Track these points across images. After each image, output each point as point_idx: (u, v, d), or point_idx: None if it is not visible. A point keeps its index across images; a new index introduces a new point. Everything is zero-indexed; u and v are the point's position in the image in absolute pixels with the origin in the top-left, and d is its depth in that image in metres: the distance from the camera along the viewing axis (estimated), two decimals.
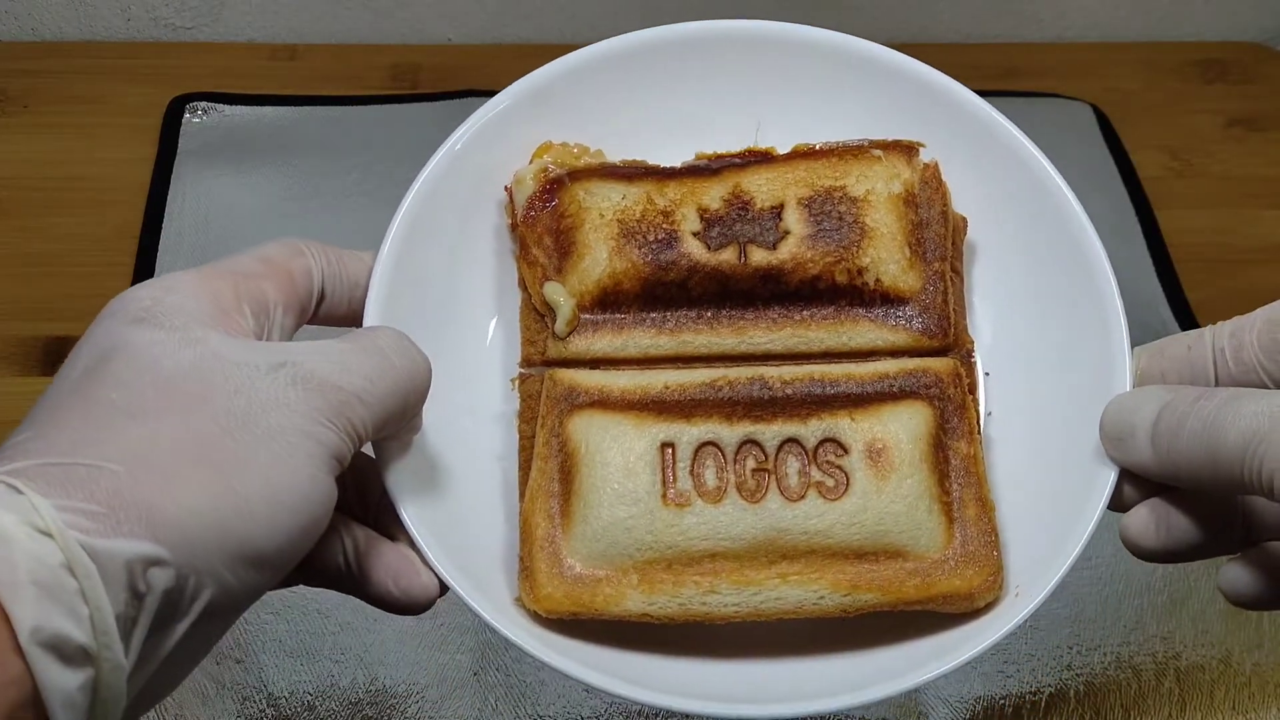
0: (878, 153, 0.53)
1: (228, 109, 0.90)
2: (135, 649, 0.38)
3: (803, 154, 0.54)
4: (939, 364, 0.51)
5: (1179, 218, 0.86)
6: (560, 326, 0.52)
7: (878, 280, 0.52)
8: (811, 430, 0.50)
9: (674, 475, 0.49)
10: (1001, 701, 0.64)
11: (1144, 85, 0.97)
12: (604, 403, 0.51)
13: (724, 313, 0.52)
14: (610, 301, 0.52)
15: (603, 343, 0.52)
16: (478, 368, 0.54)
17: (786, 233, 0.52)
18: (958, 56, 0.98)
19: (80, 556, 0.37)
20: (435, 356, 0.47)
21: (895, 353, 0.52)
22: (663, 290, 0.52)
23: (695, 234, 0.52)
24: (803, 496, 0.49)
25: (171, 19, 0.97)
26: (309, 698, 0.63)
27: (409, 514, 0.47)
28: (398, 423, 0.47)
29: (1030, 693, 0.65)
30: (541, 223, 0.53)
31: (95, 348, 0.42)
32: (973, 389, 0.52)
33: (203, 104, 0.90)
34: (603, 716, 0.63)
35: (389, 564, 0.47)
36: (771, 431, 0.50)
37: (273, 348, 0.44)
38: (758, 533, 0.48)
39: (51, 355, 0.77)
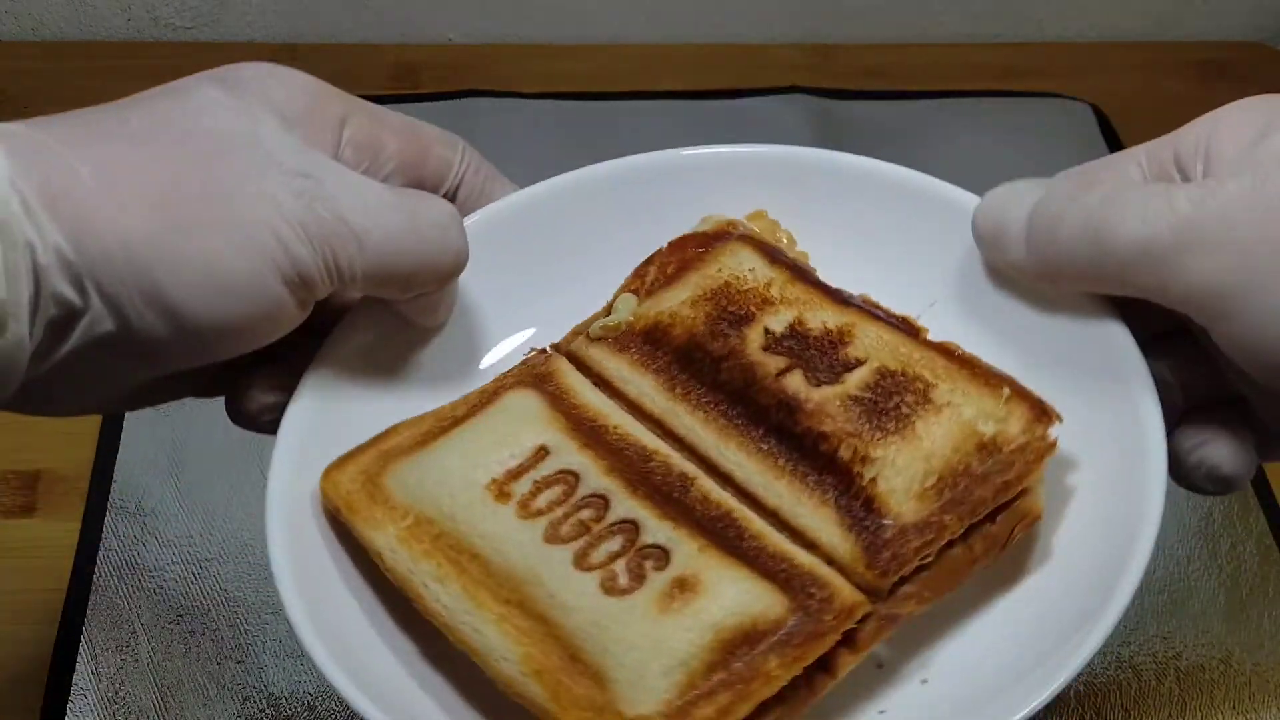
0: (1006, 391, 0.46)
1: None
2: (36, 334, 0.40)
3: (939, 348, 0.48)
4: (845, 591, 0.43)
5: None
6: (597, 327, 0.51)
7: (873, 481, 0.45)
8: (664, 537, 0.45)
9: (523, 473, 0.46)
10: None
11: (1144, 85, 0.97)
12: (556, 400, 0.49)
13: (727, 412, 0.48)
14: (654, 338, 0.50)
15: (615, 365, 0.50)
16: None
17: (840, 382, 0.47)
18: (958, 56, 0.99)
19: (12, 227, 0.39)
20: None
21: (825, 558, 0.44)
22: (698, 355, 0.49)
23: (769, 330, 0.49)
24: (604, 589, 0.43)
25: (172, 19, 0.97)
26: (309, 698, 0.63)
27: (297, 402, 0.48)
28: (400, 288, 0.46)
29: None
30: (680, 253, 0.53)
31: (171, 85, 0.46)
32: (857, 645, 0.44)
33: None
34: None
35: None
36: (651, 527, 0.45)
37: (316, 160, 0.44)
38: (523, 567, 0.44)
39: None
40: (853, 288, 0.51)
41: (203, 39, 0.97)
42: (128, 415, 0.73)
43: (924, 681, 0.46)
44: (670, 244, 0.53)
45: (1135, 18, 1.01)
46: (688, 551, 0.44)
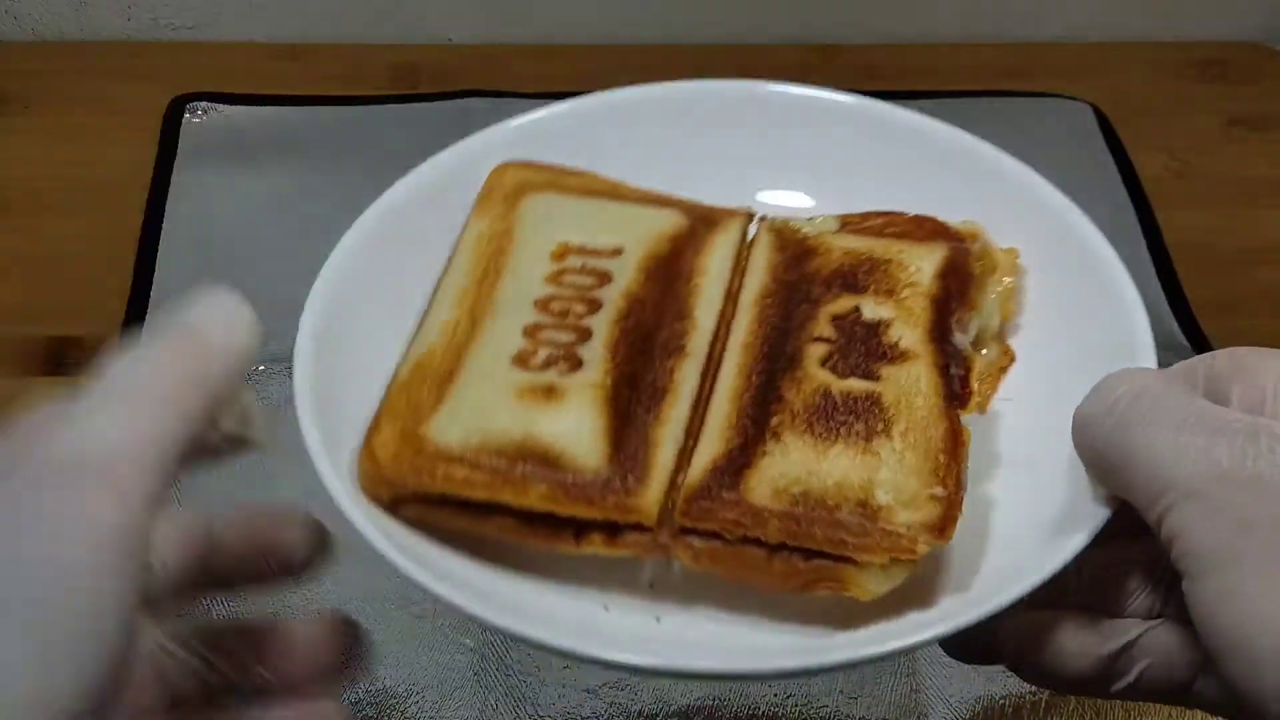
0: (939, 490, 0.46)
1: (228, 109, 0.90)
2: None
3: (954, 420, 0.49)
4: (649, 500, 0.46)
5: (1179, 218, 0.86)
6: (805, 220, 0.56)
7: (763, 455, 0.47)
8: (591, 356, 0.49)
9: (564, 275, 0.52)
10: (1001, 701, 0.64)
11: (1144, 85, 0.97)
12: (694, 236, 0.53)
13: (763, 339, 0.51)
14: (799, 260, 0.54)
15: (762, 252, 0.55)
16: None
17: (840, 377, 0.49)
18: (958, 56, 0.99)
19: None
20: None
21: (677, 470, 0.47)
22: (798, 296, 0.53)
23: (838, 315, 0.52)
24: (512, 357, 0.49)
25: (172, 19, 0.97)
26: None
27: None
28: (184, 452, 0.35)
29: (1030, 693, 0.65)
30: (915, 224, 0.56)
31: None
32: (615, 542, 0.46)
33: (203, 104, 0.90)
34: (603, 717, 0.63)
35: None
36: (595, 345, 0.50)
37: None
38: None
39: (52, 355, 0.77)
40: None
41: (203, 39, 0.97)
42: None
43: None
44: (916, 216, 0.55)
45: (1135, 18, 1.01)
46: (589, 379, 0.47)
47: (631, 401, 0.47)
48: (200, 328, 0.38)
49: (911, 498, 0.44)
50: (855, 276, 0.51)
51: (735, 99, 0.59)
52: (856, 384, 0.47)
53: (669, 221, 0.54)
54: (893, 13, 1.00)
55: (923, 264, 0.52)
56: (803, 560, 0.44)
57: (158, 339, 0.37)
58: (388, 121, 0.90)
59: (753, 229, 0.55)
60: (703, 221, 0.54)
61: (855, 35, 1.00)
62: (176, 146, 0.87)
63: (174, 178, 0.85)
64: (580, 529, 0.45)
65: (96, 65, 0.94)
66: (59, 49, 0.96)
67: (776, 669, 0.43)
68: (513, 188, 0.56)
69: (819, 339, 0.49)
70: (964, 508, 0.46)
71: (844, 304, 0.50)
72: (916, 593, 0.45)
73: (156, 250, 0.81)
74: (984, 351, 0.51)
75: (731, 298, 0.52)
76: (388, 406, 0.49)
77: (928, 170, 0.57)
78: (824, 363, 0.48)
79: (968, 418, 0.49)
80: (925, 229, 0.54)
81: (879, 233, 0.54)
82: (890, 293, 0.50)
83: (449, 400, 0.48)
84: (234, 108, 0.90)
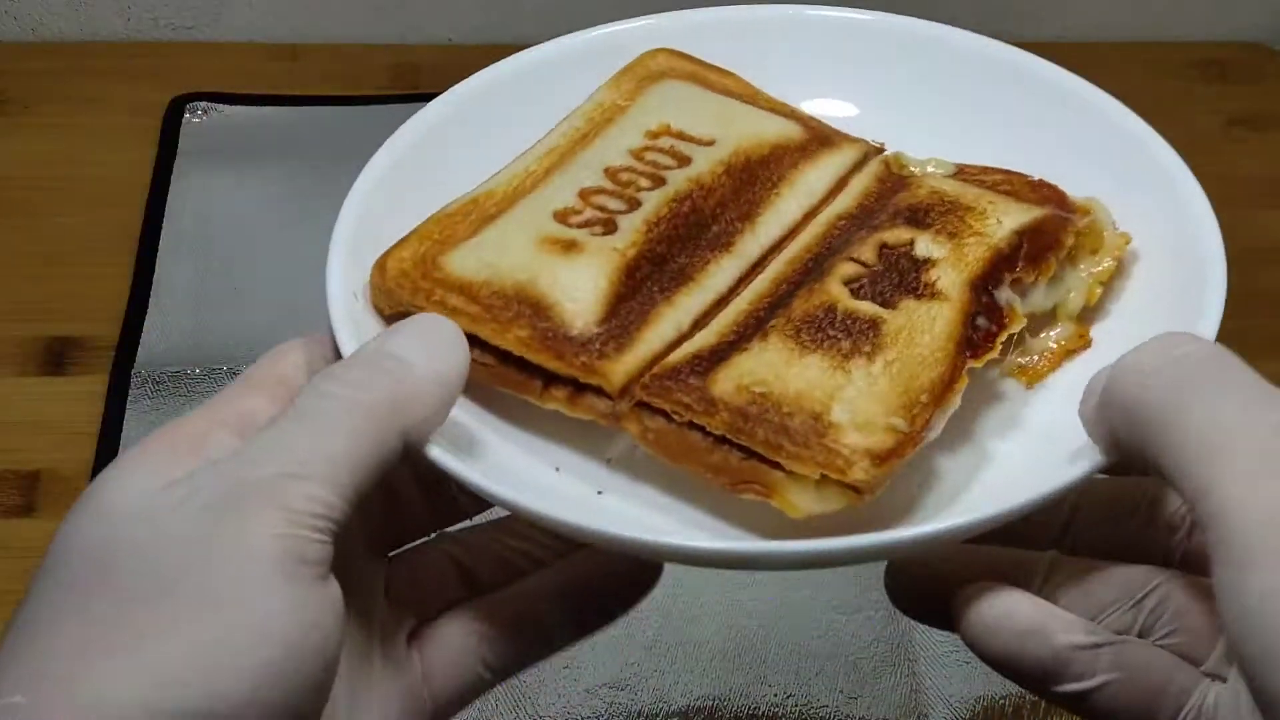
0: (896, 426, 0.43)
1: (228, 109, 0.90)
2: None
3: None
4: (619, 369, 0.45)
5: None
6: (921, 160, 0.53)
7: (743, 351, 0.45)
8: (629, 226, 0.49)
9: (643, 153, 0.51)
10: (1002, 701, 0.64)
11: (1144, 85, 0.97)
12: (808, 139, 0.52)
13: (810, 256, 0.50)
14: (889, 187, 0.52)
15: (862, 177, 0.53)
16: None
17: (858, 299, 0.47)
18: None
19: None
20: None
21: (667, 349, 0.46)
22: (859, 221, 0.52)
23: (886, 245, 0.50)
24: (555, 213, 0.49)
25: (171, 19, 0.97)
26: None
27: None
28: (387, 459, 0.38)
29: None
30: (1033, 187, 0.54)
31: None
32: (574, 402, 0.45)
33: (203, 104, 0.90)
34: (603, 717, 0.63)
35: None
36: (638, 215, 0.49)
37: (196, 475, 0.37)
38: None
39: (52, 355, 0.77)
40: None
41: (202, 39, 0.97)
42: (128, 415, 0.73)
43: None
44: (1037, 180, 0.52)
45: (1135, 18, 1.00)
46: (613, 244, 0.47)
47: (649, 278, 0.47)
48: (402, 353, 0.39)
49: (867, 422, 0.42)
50: (927, 214, 0.49)
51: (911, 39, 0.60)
52: (866, 307, 0.46)
53: (781, 130, 0.52)
54: (895, 11, 0.99)
55: (1006, 219, 0.48)
56: (740, 458, 0.42)
57: (358, 360, 0.39)
58: (388, 121, 0.89)
59: (873, 164, 0.53)
60: (820, 141, 0.52)
61: None
62: (176, 146, 0.87)
63: (174, 178, 0.85)
64: (549, 381, 0.45)
65: (96, 65, 0.94)
66: (59, 49, 0.96)
67: (690, 547, 0.40)
68: (655, 71, 0.55)
69: (855, 260, 0.47)
70: (966, 462, 0.45)
71: (899, 235, 0.48)
72: (868, 523, 0.42)
73: (156, 250, 0.81)
74: (1056, 330, 0.49)
75: (810, 216, 0.50)
76: (421, 229, 0.49)
77: (1073, 139, 0.55)
78: (848, 283, 0.47)
79: (1009, 382, 0.48)
80: (1039, 194, 0.51)
81: (989, 186, 0.51)
82: (954, 235, 0.48)
83: (478, 237, 0.48)
84: (234, 108, 0.90)
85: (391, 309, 0.46)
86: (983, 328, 0.45)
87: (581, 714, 0.63)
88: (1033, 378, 0.48)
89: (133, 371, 0.75)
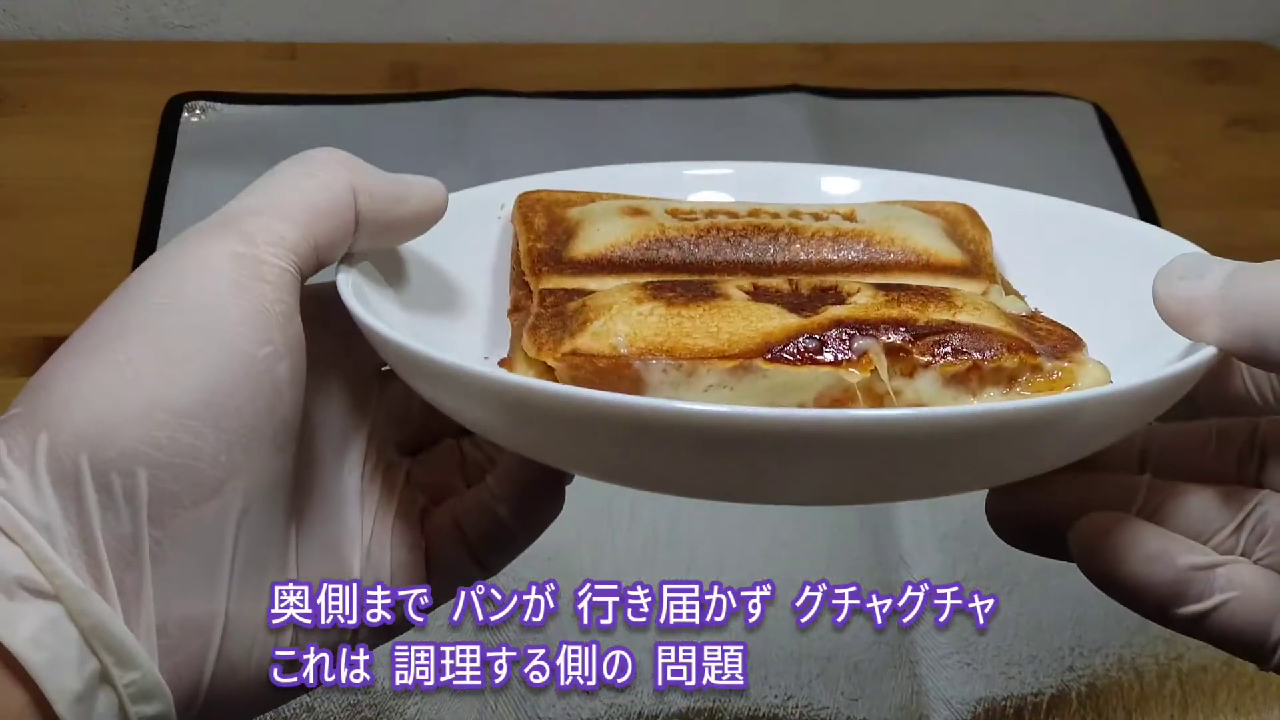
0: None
1: (227, 109, 0.90)
2: (96, 548, 0.35)
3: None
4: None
5: (1181, 218, 0.86)
6: None
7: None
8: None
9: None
10: (1003, 703, 0.64)
11: (1145, 85, 0.97)
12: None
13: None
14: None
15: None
16: None
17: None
18: (958, 56, 0.99)
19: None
20: None
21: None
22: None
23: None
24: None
25: (170, 18, 0.96)
26: (308, 698, 0.63)
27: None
28: (342, 232, 0.42)
29: (1032, 694, 0.65)
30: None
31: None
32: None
33: (202, 104, 0.90)
34: (602, 718, 0.63)
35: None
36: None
37: None
38: None
39: (50, 355, 0.77)
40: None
41: (201, 38, 0.97)
42: None
43: None
44: (1069, 332, 0.47)
45: (1136, 17, 1.01)
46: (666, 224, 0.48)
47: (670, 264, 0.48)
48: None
49: (602, 332, 0.42)
50: (909, 291, 0.46)
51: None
52: (741, 289, 0.45)
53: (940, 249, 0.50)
54: (893, 13, 1.00)
55: (959, 316, 0.44)
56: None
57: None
58: (387, 121, 0.90)
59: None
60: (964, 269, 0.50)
61: (855, 35, 1.00)
62: (175, 146, 0.87)
63: (172, 177, 0.85)
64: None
65: (94, 65, 0.94)
66: (57, 48, 0.95)
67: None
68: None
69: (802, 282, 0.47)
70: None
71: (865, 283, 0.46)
72: None
73: (155, 250, 0.81)
74: None
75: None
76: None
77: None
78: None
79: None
80: (1048, 340, 0.45)
81: (1020, 325, 0.46)
82: (903, 302, 0.45)
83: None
84: (233, 107, 0.90)
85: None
86: (806, 347, 0.42)
87: (581, 715, 0.63)
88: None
89: None
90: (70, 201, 0.85)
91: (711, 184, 0.54)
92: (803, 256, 0.48)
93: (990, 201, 0.52)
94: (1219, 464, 0.44)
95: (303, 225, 0.41)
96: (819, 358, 0.41)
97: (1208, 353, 0.40)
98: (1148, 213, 0.86)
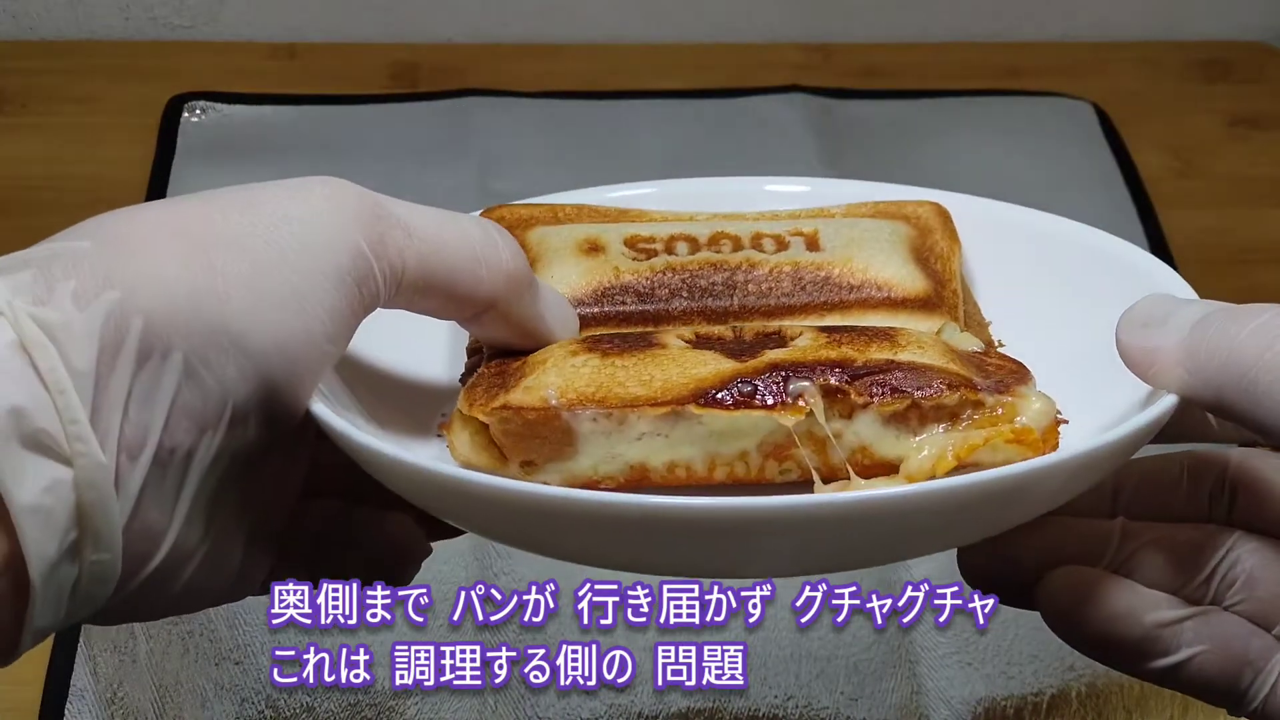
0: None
1: (227, 108, 0.90)
2: (114, 433, 0.34)
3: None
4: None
5: (1181, 218, 0.86)
6: None
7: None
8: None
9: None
10: (1003, 703, 0.64)
11: (1146, 85, 0.97)
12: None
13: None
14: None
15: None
16: None
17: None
18: (958, 56, 0.99)
19: (31, 330, 0.34)
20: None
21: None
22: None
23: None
24: None
25: (170, 18, 0.96)
26: (308, 699, 0.63)
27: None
28: (448, 305, 0.41)
29: (1032, 694, 0.65)
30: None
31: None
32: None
33: (202, 103, 0.90)
34: (602, 718, 0.63)
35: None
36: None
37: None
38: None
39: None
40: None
41: (201, 38, 0.97)
42: None
43: None
44: (1017, 365, 0.45)
45: (1136, 17, 1.00)
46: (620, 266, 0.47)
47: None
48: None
49: (533, 386, 0.42)
50: (848, 332, 0.45)
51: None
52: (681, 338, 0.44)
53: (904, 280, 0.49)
54: (892, 12, 1.00)
55: (900, 355, 0.43)
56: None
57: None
58: (387, 121, 0.90)
59: None
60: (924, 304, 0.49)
61: (855, 35, 1.00)
62: (175, 146, 0.87)
63: (173, 177, 0.85)
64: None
65: (95, 64, 0.94)
66: (57, 48, 0.95)
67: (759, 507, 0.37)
68: (516, 221, 0.51)
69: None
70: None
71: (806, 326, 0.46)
72: None
73: None
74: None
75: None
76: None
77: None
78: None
79: None
80: (994, 373, 0.44)
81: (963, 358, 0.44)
82: (842, 343, 0.44)
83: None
84: (233, 107, 0.90)
85: None
86: (740, 392, 0.41)
87: (581, 715, 0.63)
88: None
89: None
90: (70, 201, 0.85)
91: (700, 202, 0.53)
92: (756, 302, 0.47)
93: (963, 210, 0.52)
94: (1191, 502, 0.44)
95: (431, 276, 0.40)
96: (753, 401, 0.40)
97: (1169, 402, 0.40)
98: (1147, 213, 0.86)
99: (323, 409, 0.39)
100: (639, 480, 0.41)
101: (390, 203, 0.40)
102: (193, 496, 0.37)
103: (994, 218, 0.52)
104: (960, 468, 0.41)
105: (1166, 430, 0.42)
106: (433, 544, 0.47)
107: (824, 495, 0.38)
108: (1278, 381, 0.37)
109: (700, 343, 0.44)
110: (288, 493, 0.42)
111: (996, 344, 0.48)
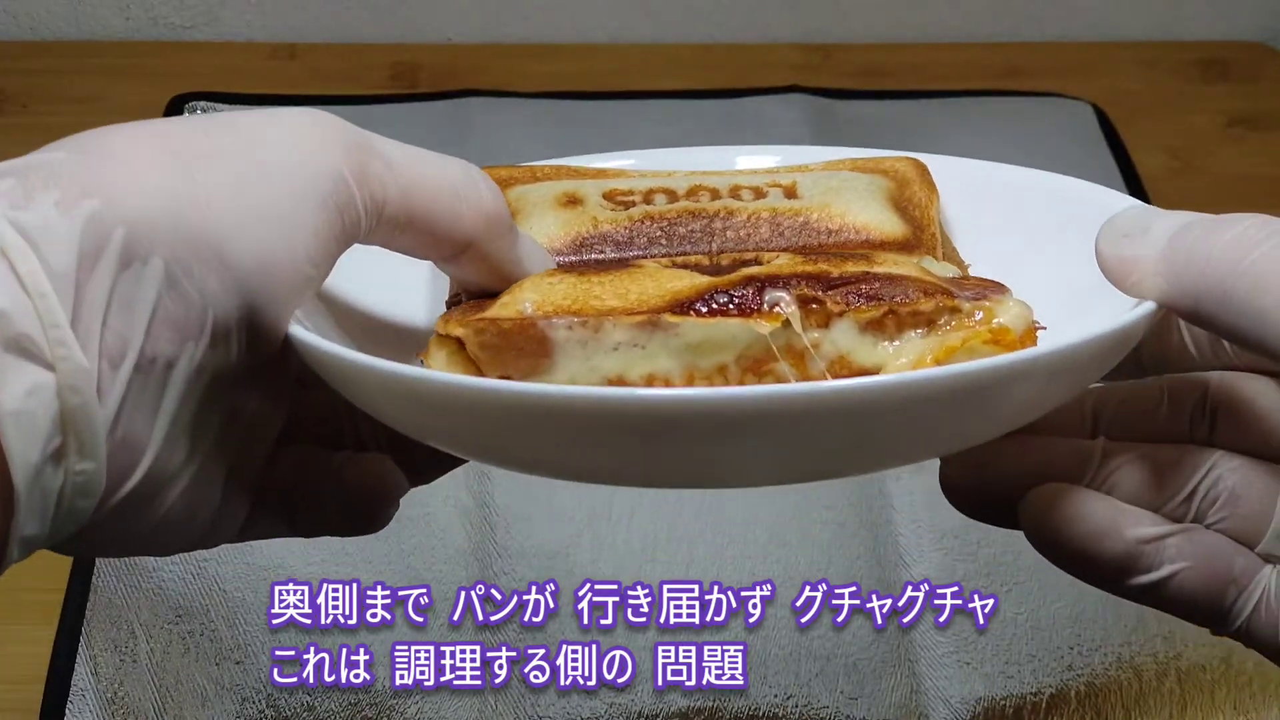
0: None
1: (227, 109, 0.90)
2: (95, 339, 0.34)
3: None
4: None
5: None
6: None
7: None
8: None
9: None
10: (1002, 702, 0.64)
11: (1145, 85, 0.97)
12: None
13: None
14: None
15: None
16: None
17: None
18: (958, 56, 0.99)
19: (10, 235, 0.33)
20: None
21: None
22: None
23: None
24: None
25: (170, 18, 0.96)
26: (308, 698, 0.63)
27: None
28: (427, 242, 0.41)
29: (1031, 693, 0.65)
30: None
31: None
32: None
33: (202, 104, 0.90)
34: (603, 717, 0.63)
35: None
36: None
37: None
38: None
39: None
40: None
41: (201, 38, 0.97)
42: None
43: None
44: (990, 281, 0.46)
45: (1135, 17, 1.01)
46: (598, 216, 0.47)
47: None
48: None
49: (509, 302, 0.42)
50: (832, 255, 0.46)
51: None
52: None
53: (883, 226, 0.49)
54: (892, 12, 1.00)
55: (875, 269, 0.44)
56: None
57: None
58: (387, 121, 0.90)
59: None
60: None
61: (855, 35, 1.00)
62: None
63: None
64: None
65: (95, 65, 0.94)
66: (57, 48, 0.96)
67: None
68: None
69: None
70: None
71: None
72: None
73: None
74: None
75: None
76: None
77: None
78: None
79: None
80: (971, 285, 0.44)
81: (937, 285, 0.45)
82: (818, 259, 0.44)
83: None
84: (233, 107, 0.90)
85: None
86: (716, 301, 0.41)
87: (581, 714, 0.63)
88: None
89: None
90: None
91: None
92: (734, 248, 0.47)
93: (940, 167, 0.52)
94: (1172, 425, 0.44)
95: (411, 209, 0.40)
96: (728, 310, 0.40)
97: (1148, 308, 0.39)
98: None
99: (300, 330, 0.39)
100: None
101: (373, 136, 0.39)
102: (174, 411, 0.36)
103: (969, 173, 0.52)
104: None
105: (1146, 360, 0.42)
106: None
107: (797, 386, 0.38)
108: (1254, 290, 0.37)
109: (677, 266, 0.44)
110: (267, 435, 0.42)
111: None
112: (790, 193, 0.49)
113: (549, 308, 0.40)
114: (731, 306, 0.40)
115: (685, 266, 0.44)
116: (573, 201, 0.48)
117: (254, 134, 0.37)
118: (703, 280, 0.41)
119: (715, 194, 0.49)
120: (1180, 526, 0.41)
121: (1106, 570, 0.41)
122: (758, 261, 0.44)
